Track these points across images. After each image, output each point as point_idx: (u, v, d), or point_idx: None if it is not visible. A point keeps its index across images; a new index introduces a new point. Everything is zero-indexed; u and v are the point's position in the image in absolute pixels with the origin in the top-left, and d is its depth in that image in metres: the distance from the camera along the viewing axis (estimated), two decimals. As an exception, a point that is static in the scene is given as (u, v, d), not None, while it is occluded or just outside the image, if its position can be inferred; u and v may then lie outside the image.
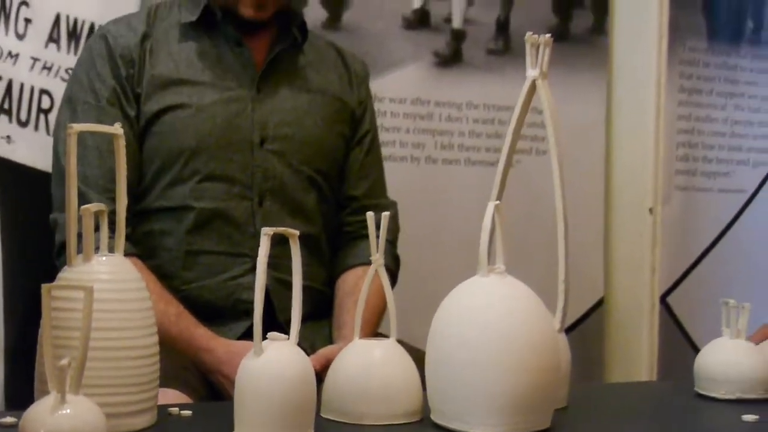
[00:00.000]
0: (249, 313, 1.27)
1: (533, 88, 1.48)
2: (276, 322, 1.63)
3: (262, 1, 1.85)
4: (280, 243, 1.25)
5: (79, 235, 1.25)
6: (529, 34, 1.48)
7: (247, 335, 1.73)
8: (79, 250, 1.27)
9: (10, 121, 2.14)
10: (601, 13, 2.79)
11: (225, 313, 1.82)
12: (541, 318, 1.29)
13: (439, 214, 2.46)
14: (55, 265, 1.72)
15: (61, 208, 1.76)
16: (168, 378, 1.38)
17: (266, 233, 1.22)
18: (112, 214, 1.31)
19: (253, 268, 1.28)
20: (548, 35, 1.49)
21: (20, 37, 2.16)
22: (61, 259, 1.75)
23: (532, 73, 1.48)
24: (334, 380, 1.34)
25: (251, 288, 1.26)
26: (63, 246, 1.56)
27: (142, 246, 1.83)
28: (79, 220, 1.26)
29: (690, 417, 1.53)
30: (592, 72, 2.77)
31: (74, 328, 1.11)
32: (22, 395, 1.77)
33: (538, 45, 1.48)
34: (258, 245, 1.22)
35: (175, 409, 1.35)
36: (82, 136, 1.49)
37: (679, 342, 2.76)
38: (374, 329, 1.77)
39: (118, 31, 1.91)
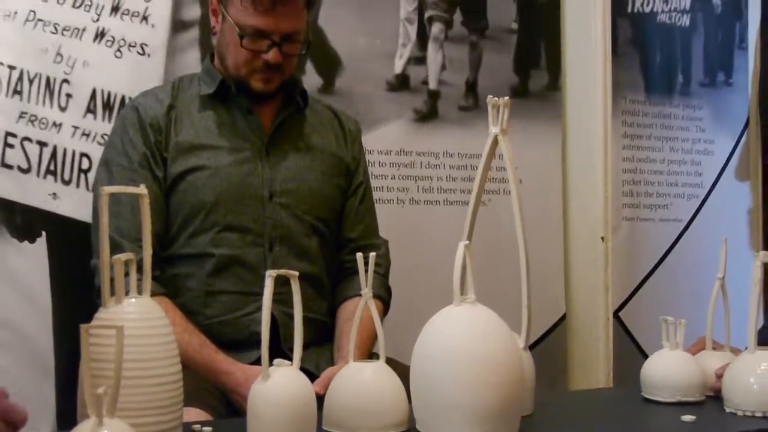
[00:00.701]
0: (258, 342, 1.27)
1: (495, 141, 1.49)
2: (282, 350, 1.64)
3: (270, 77, 1.87)
4: (286, 282, 1.25)
5: (113, 280, 1.25)
6: (490, 97, 1.48)
7: (260, 362, 1.75)
8: (113, 293, 1.27)
9: (56, 180, 2.16)
10: (554, 73, 2.79)
11: (241, 343, 1.80)
12: (506, 339, 1.29)
13: (424, 247, 2.47)
14: (96, 303, 1.74)
15: (99, 255, 1.78)
16: (191, 398, 1.36)
17: (270, 275, 1.23)
18: (141, 261, 1.30)
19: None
20: (506, 98, 1.48)
21: (63, 109, 2.18)
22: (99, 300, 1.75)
23: (494, 129, 1.48)
24: (332, 398, 1.34)
25: (260, 321, 1.26)
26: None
27: (170, 286, 1.82)
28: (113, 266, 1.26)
29: (638, 419, 1.52)
30: (549, 122, 2.77)
31: (109, 361, 1.11)
32: (68, 415, 1.79)
33: (498, 106, 1.48)
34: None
35: (197, 426, 1.35)
36: (116, 194, 1.52)
37: (631, 351, 2.74)
38: (369, 350, 1.76)
39: (147, 103, 1.91)
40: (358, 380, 1.34)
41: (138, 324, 1.25)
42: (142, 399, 1.22)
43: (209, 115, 1.91)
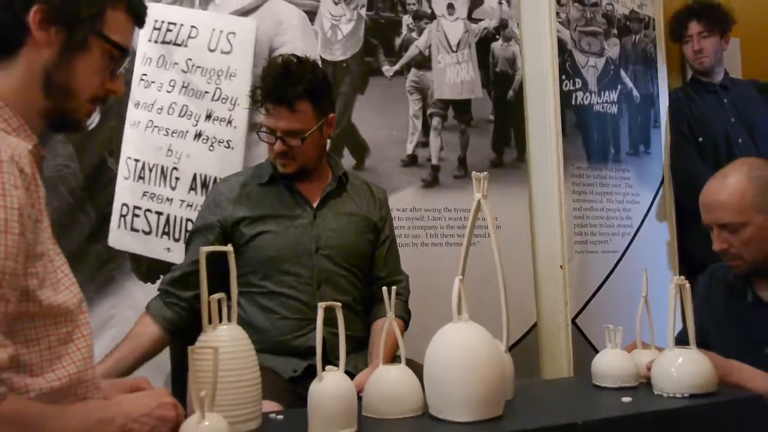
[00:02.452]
0: (314, 353, 1.28)
1: (479, 204, 1.50)
2: (329, 359, 1.62)
3: (284, 162, 1.83)
4: (331, 311, 1.26)
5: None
6: (474, 173, 1.50)
7: (310, 368, 1.72)
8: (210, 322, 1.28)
9: (169, 239, 2.20)
10: (521, 149, 2.78)
11: (299, 354, 1.78)
12: (491, 346, 1.30)
13: (432, 277, 2.41)
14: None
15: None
16: (266, 393, 1.36)
17: (321, 306, 1.25)
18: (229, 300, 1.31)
19: (315, 328, 1.27)
20: (485, 173, 1.50)
21: (173, 188, 2.22)
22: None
23: (477, 195, 1.50)
24: (368, 392, 1.35)
25: (314, 339, 1.28)
26: None
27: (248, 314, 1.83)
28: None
29: (590, 400, 1.52)
30: (519, 184, 2.76)
31: (207, 371, 1.12)
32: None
33: (480, 179, 1.50)
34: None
35: (272, 415, 1.35)
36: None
37: (585, 347, 2.71)
38: (392, 355, 1.71)
39: (224, 188, 1.90)
40: (387, 378, 1.35)
41: (227, 344, 1.25)
42: (232, 398, 1.23)
43: (268, 192, 1.89)
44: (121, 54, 1.19)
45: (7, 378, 0.99)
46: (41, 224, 1.08)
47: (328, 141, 1.95)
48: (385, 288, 1.42)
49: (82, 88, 1.15)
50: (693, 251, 2.94)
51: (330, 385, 1.22)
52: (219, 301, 1.28)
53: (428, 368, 1.30)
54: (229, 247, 1.33)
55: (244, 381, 1.25)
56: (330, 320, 1.31)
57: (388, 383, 1.34)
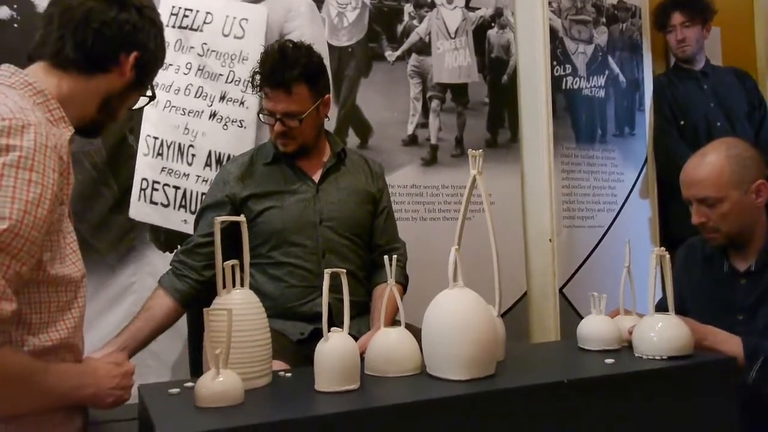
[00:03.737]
0: (320, 317, 1.28)
1: (474, 180, 1.50)
2: (335, 322, 1.61)
3: (284, 142, 1.83)
4: (336, 278, 1.26)
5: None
6: (470, 150, 1.49)
7: (315, 332, 1.73)
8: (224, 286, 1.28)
9: (186, 211, 2.19)
10: (514, 130, 2.77)
11: (307, 318, 1.78)
12: (485, 311, 1.30)
13: (430, 249, 2.39)
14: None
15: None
16: (276, 353, 1.37)
17: (327, 273, 1.24)
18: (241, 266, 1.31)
19: (321, 294, 1.27)
20: (480, 150, 1.49)
21: (189, 164, 2.21)
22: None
23: (473, 171, 1.49)
24: (370, 351, 1.35)
25: (320, 304, 1.28)
26: None
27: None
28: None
29: (576, 362, 1.51)
30: (513, 164, 2.75)
31: (222, 331, 1.13)
32: (197, 366, 1.78)
33: (476, 156, 1.49)
34: (322, 282, 1.25)
35: (282, 372, 1.36)
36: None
37: (571, 315, 2.72)
38: (393, 318, 1.73)
39: (232, 167, 1.89)
40: (387, 340, 1.35)
41: (240, 307, 1.25)
42: (245, 356, 1.23)
43: (273, 171, 1.88)
44: (151, 99, 1.37)
45: (6, 329, 1.05)
46: (64, 206, 1.13)
47: (326, 119, 1.94)
48: (386, 257, 1.41)
49: (122, 113, 1.32)
50: (674, 226, 2.93)
51: (335, 345, 1.23)
52: (233, 267, 1.28)
53: (426, 329, 1.30)
54: (242, 218, 1.33)
55: (255, 341, 1.25)
56: (335, 287, 1.30)
57: (389, 344, 1.34)
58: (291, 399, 1.19)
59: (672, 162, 2.82)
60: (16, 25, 2.02)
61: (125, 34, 1.23)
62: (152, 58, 1.29)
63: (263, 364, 1.27)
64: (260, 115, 1.84)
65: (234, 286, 1.29)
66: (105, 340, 1.66)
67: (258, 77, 1.79)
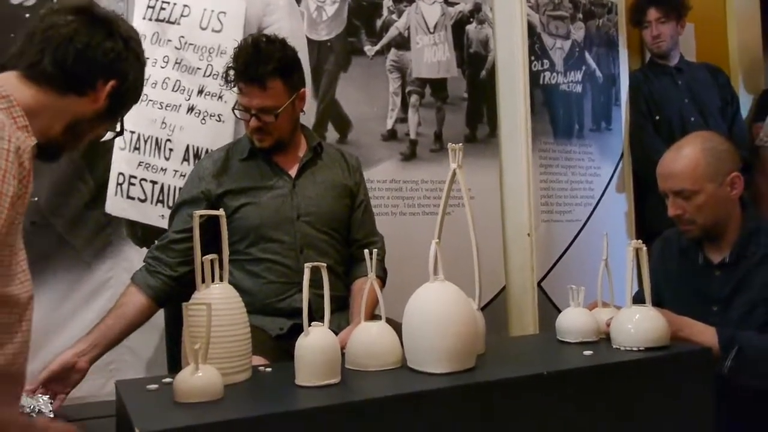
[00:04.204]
0: (299, 313, 1.27)
1: (454, 173, 1.49)
2: (314, 317, 1.61)
3: (260, 138, 1.80)
4: (316, 273, 1.25)
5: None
6: (450, 144, 1.49)
7: (295, 327, 1.71)
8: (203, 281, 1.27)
9: (163, 206, 2.15)
10: (493, 126, 2.77)
11: (285, 314, 1.76)
12: (465, 304, 1.30)
13: (409, 244, 2.38)
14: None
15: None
16: (255, 349, 1.36)
17: (307, 267, 1.23)
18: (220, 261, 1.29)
19: (301, 290, 1.25)
20: (460, 144, 1.49)
21: (167, 159, 2.17)
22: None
23: (453, 165, 1.49)
24: (351, 345, 1.35)
25: (300, 300, 1.27)
26: None
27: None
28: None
29: (555, 354, 1.53)
30: (491, 159, 2.75)
31: (201, 326, 1.12)
32: (174, 361, 1.76)
33: (455, 150, 1.49)
34: (302, 278, 1.23)
35: (261, 368, 1.35)
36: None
37: (550, 308, 2.73)
38: (372, 312, 1.70)
39: (207, 163, 1.87)
40: (368, 334, 1.35)
41: (219, 301, 1.25)
42: (224, 351, 1.22)
43: (249, 167, 1.86)
44: (118, 134, 1.33)
45: None
46: (20, 217, 1.07)
47: (302, 114, 1.91)
48: (366, 250, 1.40)
49: (85, 142, 1.27)
50: (650, 219, 2.96)
51: (316, 339, 1.22)
52: (211, 261, 1.26)
53: (407, 323, 1.30)
54: (221, 212, 1.31)
55: (235, 335, 1.24)
56: (315, 282, 1.29)
57: (370, 338, 1.33)
58: (272, 394, 1.18)
59: (647, 156, 2.86)
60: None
61: (107, 60, 1.21)
62: (129, 90, 1.26)
63: (243, 359, 1.26)
64: (235, 111, 1.81)
65: (213, 281, 1.27)
66: (79, 337, 1.63)
67: (232, 72, 1.76)
